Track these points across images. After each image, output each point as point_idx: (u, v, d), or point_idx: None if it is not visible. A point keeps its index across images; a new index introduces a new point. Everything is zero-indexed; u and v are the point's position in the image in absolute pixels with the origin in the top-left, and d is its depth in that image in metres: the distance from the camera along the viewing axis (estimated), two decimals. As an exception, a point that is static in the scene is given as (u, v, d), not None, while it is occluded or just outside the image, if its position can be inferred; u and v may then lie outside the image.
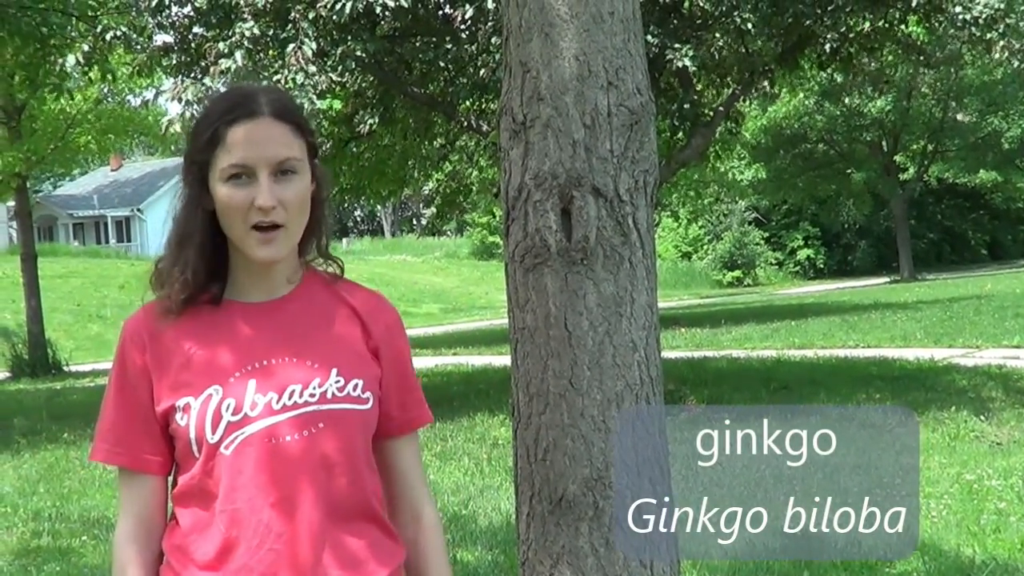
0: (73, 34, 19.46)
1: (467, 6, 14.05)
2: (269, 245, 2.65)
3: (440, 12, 15.67)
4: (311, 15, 13.32)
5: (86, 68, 16.17)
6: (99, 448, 2.76)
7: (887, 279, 58.80)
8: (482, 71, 15.47)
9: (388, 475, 2.88)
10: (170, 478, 2.79)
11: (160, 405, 2.68)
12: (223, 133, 2.64)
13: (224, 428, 2.62)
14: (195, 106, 14.11)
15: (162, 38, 15.37)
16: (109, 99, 31.90)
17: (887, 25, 16.44)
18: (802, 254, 71.49)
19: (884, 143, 58.58)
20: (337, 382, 2.70)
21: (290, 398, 2.65)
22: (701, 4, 14.71)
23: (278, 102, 2.70)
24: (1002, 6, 14.96)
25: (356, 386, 2.72)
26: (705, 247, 72.87)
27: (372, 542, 2.75)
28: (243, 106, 2.66)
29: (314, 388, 2.67)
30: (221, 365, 2.68)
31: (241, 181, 2.62)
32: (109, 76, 18.05)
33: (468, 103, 17.22)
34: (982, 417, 13.29)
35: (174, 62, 15.11)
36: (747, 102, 20.96)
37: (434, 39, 15.75)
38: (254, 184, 2.62)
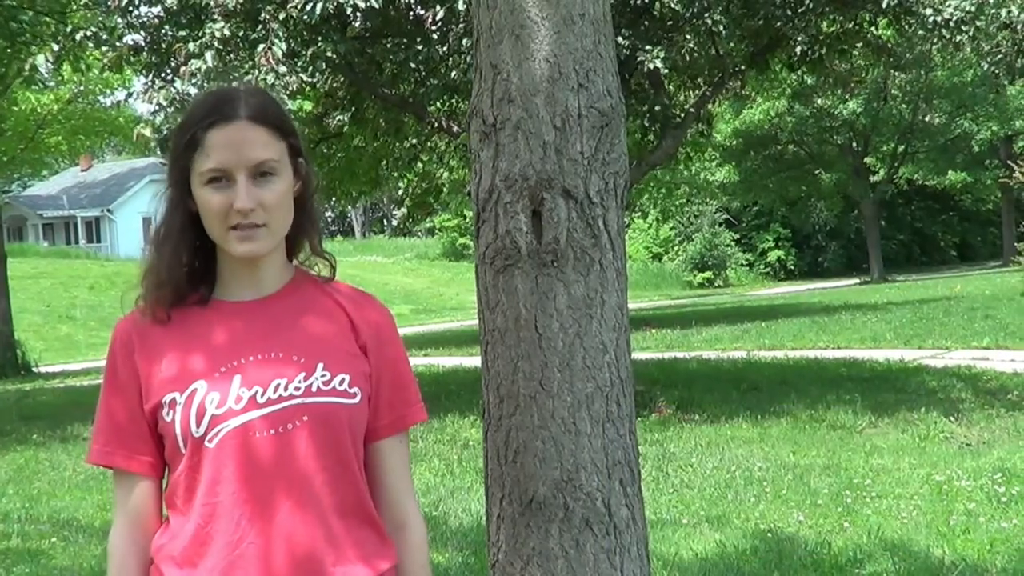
0: (44, 32, 19.41)
1: (438, 7, 14.02)
2: (248, 241, 2.66)
3: (411, 13, 15.64)
4: (281, 16, 13.27)
5: (56, 67, 16.11)
6: (92, 449, 2.79)
7: (857, 280, 58.92)
8: (453, 72, 15.44)
9: (372, 479, 2.85)
10: (164, 481, 2.79)
11: (148, 403, 2.69)
12: (201, 137, 2.65)
13: (208, 421, 2.61)
14: (168, 109, 14.09)
15: (132, 37, 15.30)
16: (80, 100, 31.81)
17: (857, 27, 16.48)
18: (772, 255, 71.65)
19: (854, 145, 58.75)
20: (323, 376, 2.69)
21: (275, 392, 2.65)
22: (672, 6, 14.69)
23: (257, 105, 2.71)
24: (972, 8, 15.00)
25: (343, 381, 2.71)
26: (676, 248, 72.91)
27: (359, 541, 2.73)
28: (220, 110, 2.67)
29: (299, 382, 2.67)
30: (207, 361, 2.68)
31: (220, 184, 2.64)
32: (82, 70, 17.97)
33: (439, 104, 17.20)
34: (952, 418, 13.34)
35: (144, 62, 15.05)
36: (718, 103, 20.96)
37: (405, 40, 15.73)
38: (232, 187, 2.63)
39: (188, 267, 2.75)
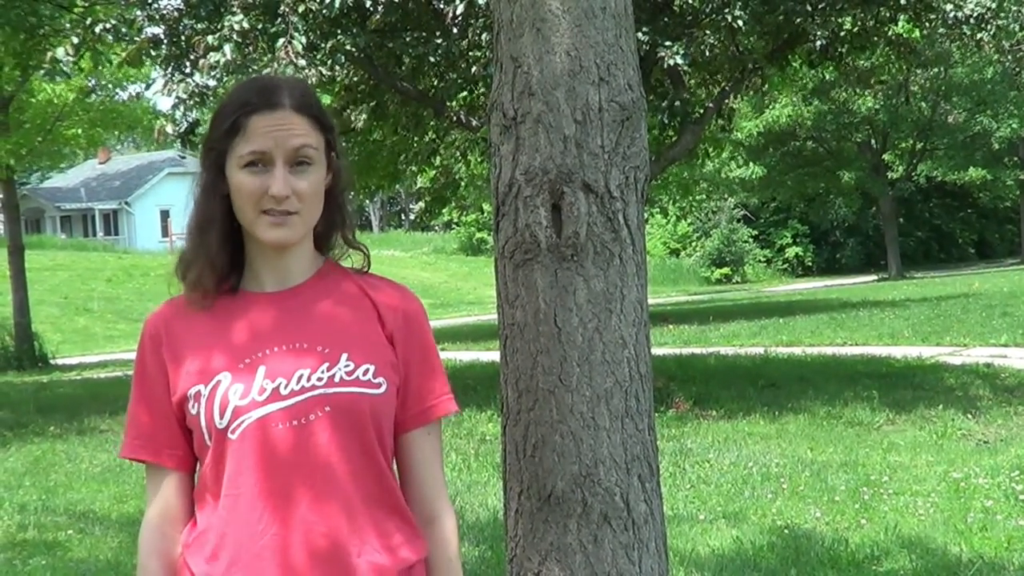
0: (65, 25, 19.41)
1: (458, 1, 14.01)
2: (279, 228, 2.67)
3: (431, 7, 15.64)
4: (301, 9, 13.27)
5: (75, 60, 16.12)
6: (124, 444, 2.81)
7: (875, 277, 58.86)
8: (473, 68, 15.43)
9: (403, 471, 2.86)
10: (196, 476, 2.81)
11: (175, 396, 2.71)
12: (243, 122, 2.66)
13: (231, 412, 2.62)
14: (187, 102, 14.12)
15: (151, 30, 15.31)
16: (98, 92, 31.80)
17: (877, 25, 16.44)
18: (790, 252, 71.48)
19: (873, 141, 58.67)
20: (347, 366, 2.69)
21: (298, 383, 2.65)
22: (691, 1, 14.69)
23: (301, 96, 2.73)
24: (993, 5, 14.95)
25: (367, 371, 2.70)
26: (694, 244, 72.83)
27: (385, 532, 2.73)
28: (265, 97, 2.69)
29: (322, 372, 2.67)
30: (232, 353, 2.69)
31: (257, 169, 2.65)
32: (101, 63, 17.96)
33: (459, 99, 17.18)
34: (969, 415, 13.33)
35: (163, 54, 15.05)
36: (739, 99, 20.91)
37: (424, 34, 15.71)
38: (269, 173, 2.64)
39: (225, 251, 2.75)
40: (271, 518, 2.62)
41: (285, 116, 2.66)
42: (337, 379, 2.67)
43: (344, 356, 2.70)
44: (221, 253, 2.74)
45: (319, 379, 2.66)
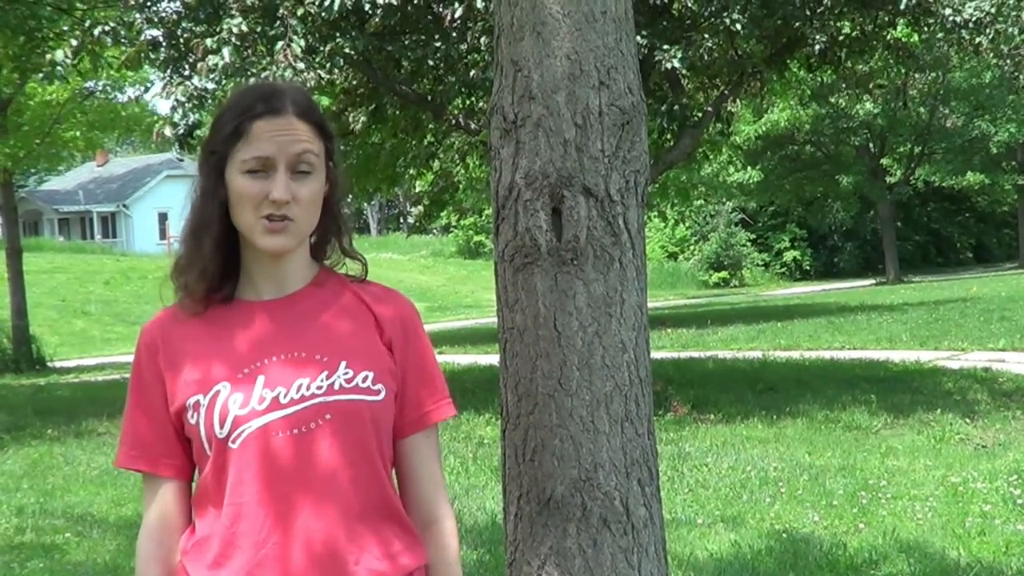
0: (64, 28, 19.41)
1: (456, 5, 14.00)
2: (276, 235, 2.66)
3: (430, 10, 15.62)
4: (299, 12, 13.26)
5: (75, 63, 16.10)
6: (120, 453, 2.80)
7: (873, 281, 58.86)
8: (472, 71, 15.42)
9: (402, 475, 2.86)
10: (194, 484, 2.80)
11: (173, 405, 2.70)
12: (246, 127, 2.66)
13: (231, 422, 2.62)
14: (187, 105, 14.10)
15: (150, 33, 15.29)
16: (97, 94, 31.78)
17: (876, 29, 16.45)
18: (788, 255, 71.46)
19: (871, 146, 58.67)
20: (346, 374, 2.68)
21: (297, 391, 2.65)
22: (690, 5, 14.68)
23: (304, 103, 2.73)
24: (992, 9, 14.95)
25: (366, 378, 2.70)
26: (691, 248, 72.78)
27: (384, 539, 2.72)
28: (268, 102, 2.69)
29: (321, 381, 2.67)
30: (230, 363, 2.69)
31: (258, 175, 2.65)
32: (101, 65, 17.93)
33: (458, 102, 17.18)
34: (967, 420, 13.32)
35: (162, 57, 15.04)
36: (737, 103, 20.90)
37: (423, 37, 15.70)
38: (271, 178, 2.64)
39: (219, 257, 2.75)
40: (273, 526, 2.62)
41: (289, 122, 2.67)
42: (336, 387, 2.67)
43: (343, 364, 2.70)
44: (213, 259, 2.73)
45: (319, 387, 2.66)
